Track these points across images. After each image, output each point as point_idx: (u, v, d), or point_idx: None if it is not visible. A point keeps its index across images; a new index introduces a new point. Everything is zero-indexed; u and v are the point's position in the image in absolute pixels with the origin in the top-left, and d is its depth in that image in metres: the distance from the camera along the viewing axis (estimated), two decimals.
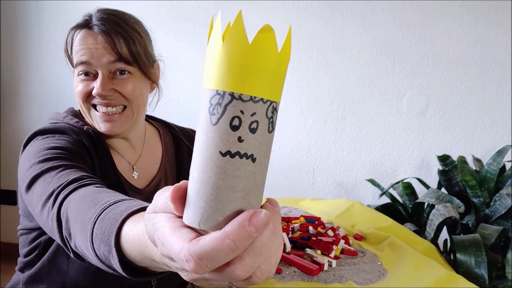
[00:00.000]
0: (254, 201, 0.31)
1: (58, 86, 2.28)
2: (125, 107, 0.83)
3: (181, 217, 0.32)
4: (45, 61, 2.28)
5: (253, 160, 0.30)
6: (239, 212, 0.30)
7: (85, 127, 0.81)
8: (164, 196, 0.34)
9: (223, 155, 0.30)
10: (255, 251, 0.30)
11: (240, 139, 0.30)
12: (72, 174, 0.65)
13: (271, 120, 0.31)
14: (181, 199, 0.32)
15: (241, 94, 0.29)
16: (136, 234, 0.42)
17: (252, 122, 0.30)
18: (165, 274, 0.46)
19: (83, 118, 0.88)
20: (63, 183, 0.62)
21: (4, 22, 2.30)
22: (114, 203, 0.50)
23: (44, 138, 0.77)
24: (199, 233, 0.31)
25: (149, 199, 0.89)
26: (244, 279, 0.30)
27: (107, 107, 0.80)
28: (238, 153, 0.30)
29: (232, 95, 0.29)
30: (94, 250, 0.49)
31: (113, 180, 0.82)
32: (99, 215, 0.50)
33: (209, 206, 0.30)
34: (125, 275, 0.45)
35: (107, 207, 0.50)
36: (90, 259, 0.52)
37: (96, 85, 0.79)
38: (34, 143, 0.76)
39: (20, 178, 0.74)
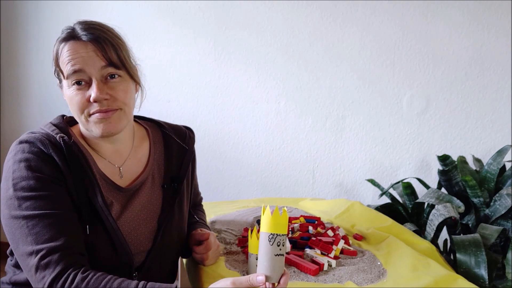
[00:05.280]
0: (283, 269, 0.75)
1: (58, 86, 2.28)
2: (119, 109, 0.86)
3: None
4: (44, 61, 2.28)
5: (283, 256, 0.73)
6: (280, 274, 0.73)
7: (58, 136, 0.83)
8: None
9: (275, 255, 0.72)
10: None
11: (279, 248, 0.72)
12: (45, 235, 0.75)
13: (285, 241, 0.74)
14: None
15: (277, 234, 0.72)
16: None
17: (282, 242, 0.72)
18: None
19: (67, 125, 0.89)
20: (41, 250, 0.74)
21: (4, 22, 2.30)
22: None
23: (21, 161, 0.81)
24: None
25: (132, 197, 0.90)
26: None
27: (106, 113, 0.83)
28: (279, 254, 0.72)
29: (275, 234, 0.72)
30: None
31: (89, 182, 0.84)
32: None
33: (271, 272, 0.72)
34: None
35: None
36: None
37: (93, 90, 0.82)
38: (14, 168, 0.81)
39: (2, 197, 0.79)
